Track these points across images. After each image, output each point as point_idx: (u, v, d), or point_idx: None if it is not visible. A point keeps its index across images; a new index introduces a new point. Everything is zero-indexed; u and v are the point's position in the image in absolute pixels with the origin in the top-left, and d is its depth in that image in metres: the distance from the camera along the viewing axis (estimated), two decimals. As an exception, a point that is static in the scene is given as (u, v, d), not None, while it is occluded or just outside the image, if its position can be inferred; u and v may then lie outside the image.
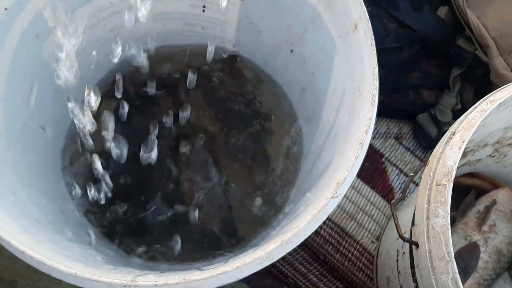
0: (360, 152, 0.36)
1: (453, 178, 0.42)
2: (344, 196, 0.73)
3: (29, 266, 0.43)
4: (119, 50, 0.60)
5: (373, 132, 0.77)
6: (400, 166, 0.76)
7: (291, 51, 0.56)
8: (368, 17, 0.39)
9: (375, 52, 0.38)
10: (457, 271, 0.39)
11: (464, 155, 0.62)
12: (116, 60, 0.62)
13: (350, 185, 0.73)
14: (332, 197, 0.35)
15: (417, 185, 0.74)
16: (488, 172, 0.69)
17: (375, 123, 0.78)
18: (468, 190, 0.69)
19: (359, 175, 0.75)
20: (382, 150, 0.77)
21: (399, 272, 0.56)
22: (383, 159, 0.76)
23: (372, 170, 0.75)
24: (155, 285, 0.33)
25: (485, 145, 0.61)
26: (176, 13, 0.60)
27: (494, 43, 0.65)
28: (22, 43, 0.48)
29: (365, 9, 0.39)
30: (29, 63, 0.50)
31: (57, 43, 0.53)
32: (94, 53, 0.61)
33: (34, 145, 0.50)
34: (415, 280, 0.48)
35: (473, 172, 0.70)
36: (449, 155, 0.44)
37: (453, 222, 0.66)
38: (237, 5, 0.56)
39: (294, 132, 0.64)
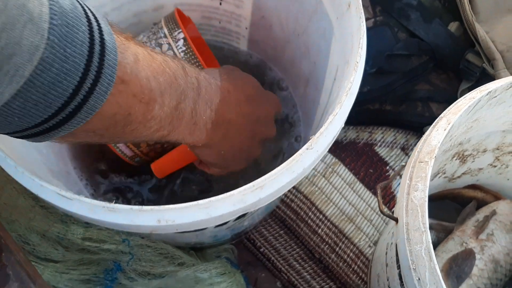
0: (338, 111, 0.38)
1: (435, 155, 0.43)
2: (344, 198, 0.74)
3: (25, 206, 0.46)
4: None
5: (379, 141, 0.78)
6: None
7: (297, 43, 0.59)
8: (359, -7, 0.41)
9: (363, 24, 0.41)
10: (430, 241, 0.40)
11: (464, 160, 0.63)
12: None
13: (352, 188, 0.74)
14: (307, 149, 0.37)
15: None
16: (491, 186, 0.69)
17: (383, 132, 0.79)
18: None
19: (362, 180, 0.75)
20: (387, 159, 0.77)
21: (387, 265, 0.56)
22: (387, 167, 0.77)
23: (376, 177, 0.76)
24: (131, 208, 0.35)
25: (485, 151, 0.61)
26: (195, 5, 0.65)
27: (500, 56, 0.66)
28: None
29: (356, -14, 0.42)
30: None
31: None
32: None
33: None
34: (398, 267, 0.49)
35: (476, 184, 0.70)
36: (434, 136, 0.45)
37: (451, 231, 0.66)
38: (250, -3, 0.60)
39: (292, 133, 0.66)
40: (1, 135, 0.36)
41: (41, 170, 0.46)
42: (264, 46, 0.66)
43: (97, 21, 0.31)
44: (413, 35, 0.71)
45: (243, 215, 0.49)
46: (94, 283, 0.51)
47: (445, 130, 0.45)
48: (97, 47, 0.30)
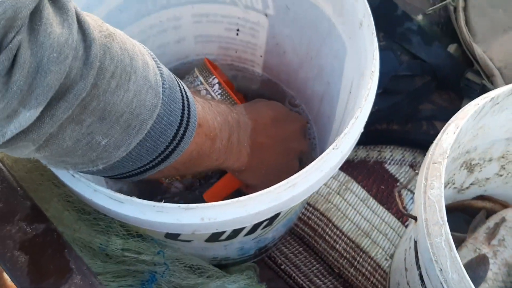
0: (359, 115, 0.42)
1: (447, 155, 0.47)
2: (359, 214, 0.77)
3: (70, 219, 0.50)
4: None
5: (389, 159, 0.82)
6: (414, 192, 0.80)
7: (310, 66, 0.64)
8: (370, 12, 0.46)
9: (375, 39, 0.45)
10: (449, 232, 0.43)
11: (472, 170, 0.66)
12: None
13: (365, 204, 0.77)
14: (333, 149, 0.41)
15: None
16: (499, 195, 0.73)
17: (391, 151, 0.83)
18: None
19: (375, 196, 0.79)
20: (397, 176, 0.81)
21: (406, 269, 0.59)
22: (398, 184, 0.80)
23: (387, 193, 0.79)
24: (179, 206, 0.39)
25: (491, 160, 0.65)
26: (214, 36, 0.70)
27: (499, 73, 0.71)
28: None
29: (367, 6, 0.47)
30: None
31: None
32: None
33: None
34: (418, 267, 0.52)
35: (484, 195, 0.73)
36: (444, 139, 0.49)
37: (463, 241, 0.69)
38: (265, 27, 0.65)
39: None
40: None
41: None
42: (277, 71, 0.71)
43: (179, 81, 0.40)
44: (415, 58, 0.76)
45: (271, 222, 0.52)
46: (131, 295, 0.53)
47: (454, 133, 0.49)
48: (185, 102, 0.39)
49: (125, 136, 0.33)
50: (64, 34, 0.26)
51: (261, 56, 0.71)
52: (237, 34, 0.69)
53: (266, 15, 0.63)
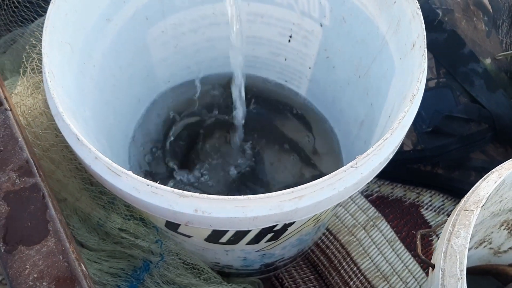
0: (388, 137, 0.38)
1: (481, 205, 0.42)
2: (382, 255, 0.72)
3: (75, 187, 0.48)
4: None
5: (427, 204, 0.76)
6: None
7: (358, 84, 0.60)
8: (425, 33, 0.43)
9: (425, 61, 0.41)
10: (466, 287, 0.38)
11: (514, 232, 0.60)
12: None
13: (391, 246, 0.72)
14: (352, 167, 0.37)
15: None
16: (541, 268, 0.65)
17: (431, 196, 0.77)
18: (515, 283, 0.65)
19: (403, 240, 0.73)
20: (432, 223, 0.75)
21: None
22: (431, 232, 0.74)
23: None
24: (173, 191, 0.36)
25: (537, 225, 0.58)
26: (265, 39, 0.68)
27: None
28: (133, 19, 0.57)
29: (423, 26, 0.43)
30: (132, 38, 0.59)
31: (161, 31, 0.62)
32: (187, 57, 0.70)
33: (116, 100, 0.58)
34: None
35: (524, 263, 0.66)
36: (483, 187, 0.44)
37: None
38: (319, 37, 0.62)
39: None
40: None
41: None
42: (324, 87, 0.68)
43: None
44: (475, 102, 0.71)
45: (276, 236, 0.49)
46: (120, 279, 0.51)
47: (495, 182, 0.44)
48: None
49: None
50: None
51: (309, 68, 0.68)
52: (289, 41, 0.67)
53: (321, 25, 0.61)
